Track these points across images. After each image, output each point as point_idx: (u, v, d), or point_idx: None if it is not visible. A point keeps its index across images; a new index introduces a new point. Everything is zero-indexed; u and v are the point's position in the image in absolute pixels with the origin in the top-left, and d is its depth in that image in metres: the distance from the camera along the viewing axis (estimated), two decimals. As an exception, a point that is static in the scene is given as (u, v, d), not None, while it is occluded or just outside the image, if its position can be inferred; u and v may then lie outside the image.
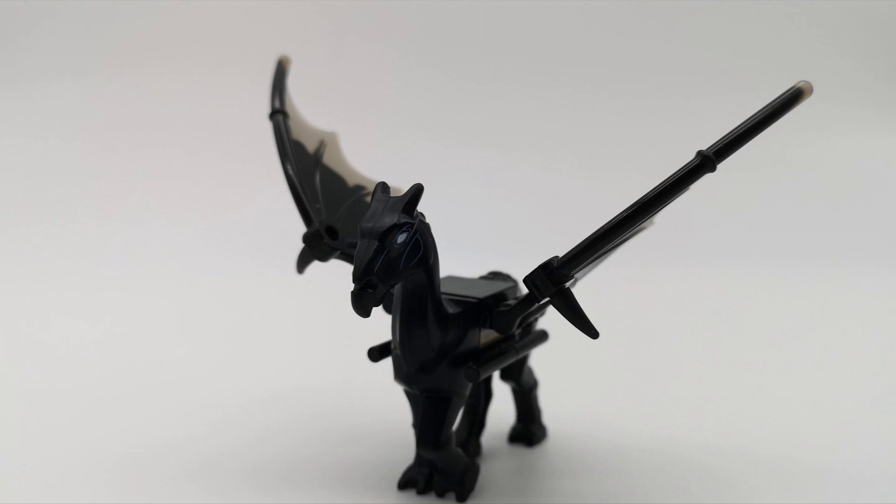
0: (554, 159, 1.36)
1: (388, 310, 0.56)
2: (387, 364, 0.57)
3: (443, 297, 0.52)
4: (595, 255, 0.48)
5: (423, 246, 0.46)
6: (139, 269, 1.12)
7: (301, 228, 0.54)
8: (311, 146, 0.60)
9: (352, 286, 0.44)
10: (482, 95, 1.40)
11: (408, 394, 0.54)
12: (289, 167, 0.56)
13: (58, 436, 0.63)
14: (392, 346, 0.52)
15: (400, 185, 0.57)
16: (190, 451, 0.61)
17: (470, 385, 0.53)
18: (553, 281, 0.47)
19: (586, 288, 0.61)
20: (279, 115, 0.58)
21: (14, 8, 1.41)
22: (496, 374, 0.64)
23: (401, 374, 0.52)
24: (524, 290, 0.51)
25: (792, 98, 0.44)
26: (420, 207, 0.47)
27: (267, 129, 0.59)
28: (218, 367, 0.80)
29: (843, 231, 1.26)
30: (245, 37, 1.39)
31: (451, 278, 0.58)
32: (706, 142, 0.46)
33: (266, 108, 0.59)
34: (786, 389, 0.75)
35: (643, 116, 1.38)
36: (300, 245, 0.55)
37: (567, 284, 0.48)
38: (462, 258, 0.73)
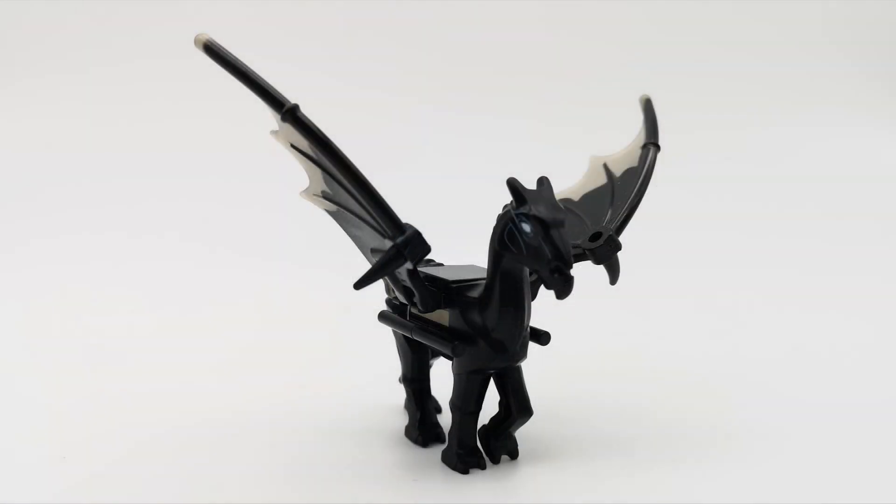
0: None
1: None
2: (386, 364, 0.57)
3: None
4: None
5: None
6: (139, 268, 1.12)
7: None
8: None
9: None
10: (484, 96, 1.40)
11: (475, 379, 0.56)
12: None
13: (57, 435, 0.63)
14: (490, 330, 0.54)
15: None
16: (190, 451, 0.61)
17: None
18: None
19: (587, 288, 0.60)
20: None
21: (14, 8, 1.41)
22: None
23: (501, 356, 0.54)
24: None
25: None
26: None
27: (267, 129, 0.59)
28: (218, 367, 0.80)
29: (843, 230, 1.26)
30: (245, 36, 1.39)
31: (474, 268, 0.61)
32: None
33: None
34: (786, 389, 0.75)
35: (642, 116, 1.37)
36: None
37: None
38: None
